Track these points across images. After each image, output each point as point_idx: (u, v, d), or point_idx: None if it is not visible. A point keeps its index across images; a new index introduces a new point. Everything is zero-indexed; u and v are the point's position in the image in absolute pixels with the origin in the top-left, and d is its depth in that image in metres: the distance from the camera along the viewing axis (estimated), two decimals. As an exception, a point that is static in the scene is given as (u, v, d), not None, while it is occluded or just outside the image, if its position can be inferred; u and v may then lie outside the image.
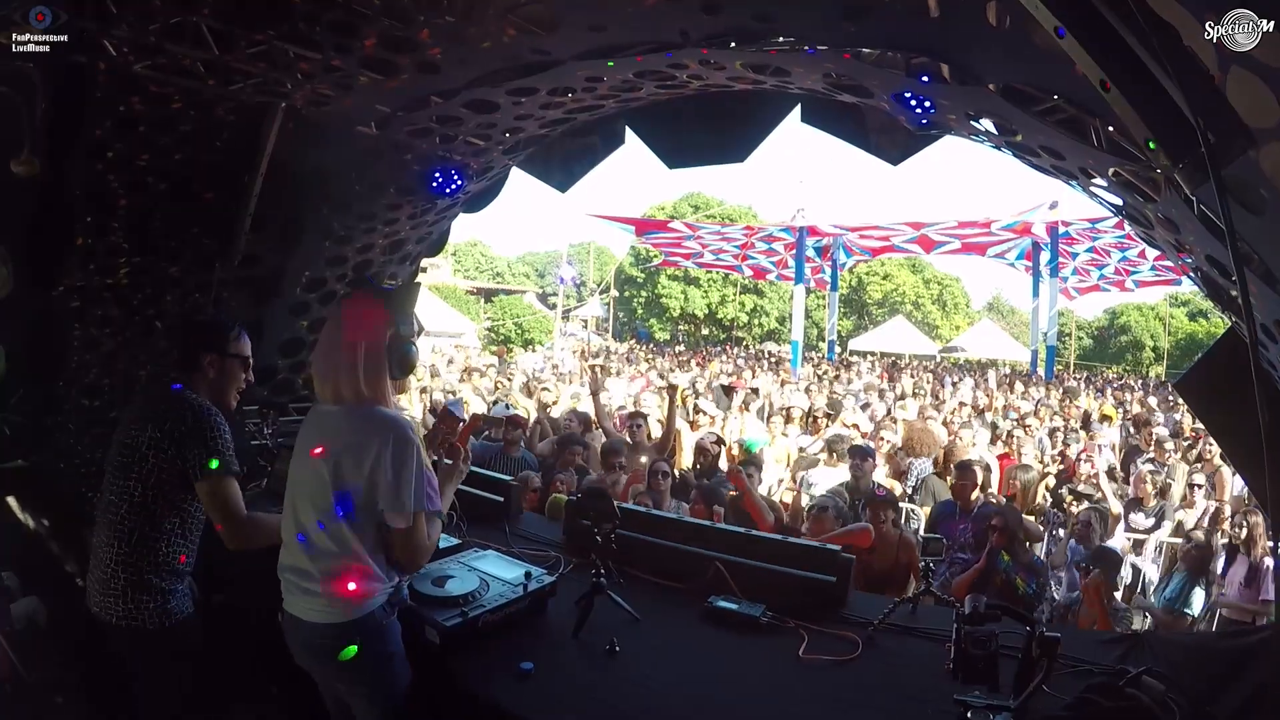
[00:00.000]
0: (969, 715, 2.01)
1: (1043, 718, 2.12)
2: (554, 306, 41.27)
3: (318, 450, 2.37)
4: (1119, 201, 3.17)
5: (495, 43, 3.57)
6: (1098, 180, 3.07)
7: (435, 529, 2.46)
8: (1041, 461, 8.57)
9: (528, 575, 2.95)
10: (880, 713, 2.41)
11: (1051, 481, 7.46)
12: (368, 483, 2.28)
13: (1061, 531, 6.13)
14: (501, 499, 4.15)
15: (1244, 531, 5.19)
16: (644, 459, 6.18)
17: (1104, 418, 11.85)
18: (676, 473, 5.74)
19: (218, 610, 3.06)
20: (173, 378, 2.81)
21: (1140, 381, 29.58)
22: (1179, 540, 5.90)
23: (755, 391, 12.00)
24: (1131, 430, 11.36)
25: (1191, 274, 3.28)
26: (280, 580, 2.44)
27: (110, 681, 3.04)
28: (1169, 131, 1.79)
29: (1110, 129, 2.61)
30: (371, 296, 2.52)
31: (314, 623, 2.34)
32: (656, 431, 7.23)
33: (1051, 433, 10.19)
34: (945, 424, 9.83)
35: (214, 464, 2.61)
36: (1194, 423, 11.51)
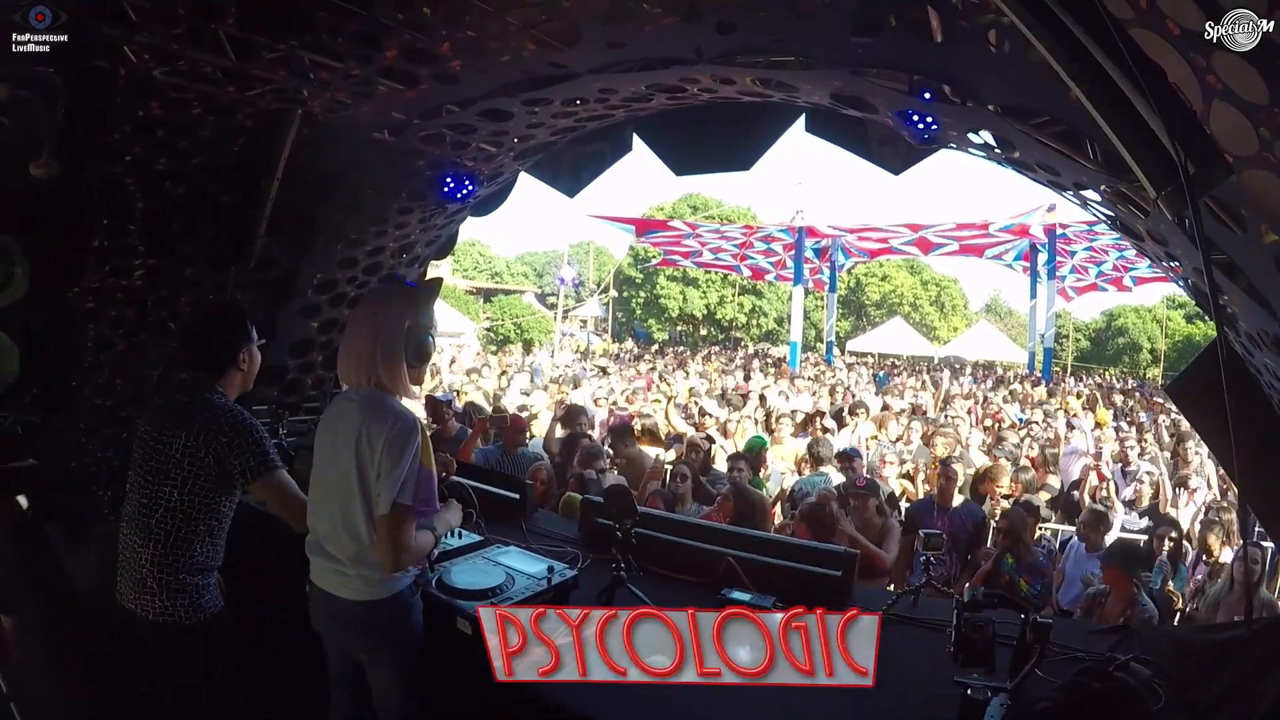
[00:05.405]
0: (969, 693, 2.15)
1: (1037, 698, 2.25)
2: (553, 306, 41.33)
3: (337, 440, 2.47)
4: (1111, 214, 3.30)
5: (515, 56, 3.64)
6: (1091, 194, 3.20)
7: (424, 538, 2.52)
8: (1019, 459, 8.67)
9: (550, 569, 3.04)
10: (887, 695, 2.52)
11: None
12: (374, 471, 2.37)
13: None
14: (517, 496, 4.27)
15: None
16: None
17: (1097, 424, 11.88)
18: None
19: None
20: (200, 381, 2.80)
21: (1139, 385, 29.62)
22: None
23: (763, 399, 12.08)
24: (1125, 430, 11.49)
25: (1181, 283, 3.41)
26: (309, 559, 2.57)
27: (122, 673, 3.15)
28: (1152, 161, 1.92)
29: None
30: (394, 289, 2.65)
31: (347, 599, 2.48)
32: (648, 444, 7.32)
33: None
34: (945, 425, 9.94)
35: (266, 464, 2.68)
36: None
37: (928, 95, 3.13)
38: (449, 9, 3.32)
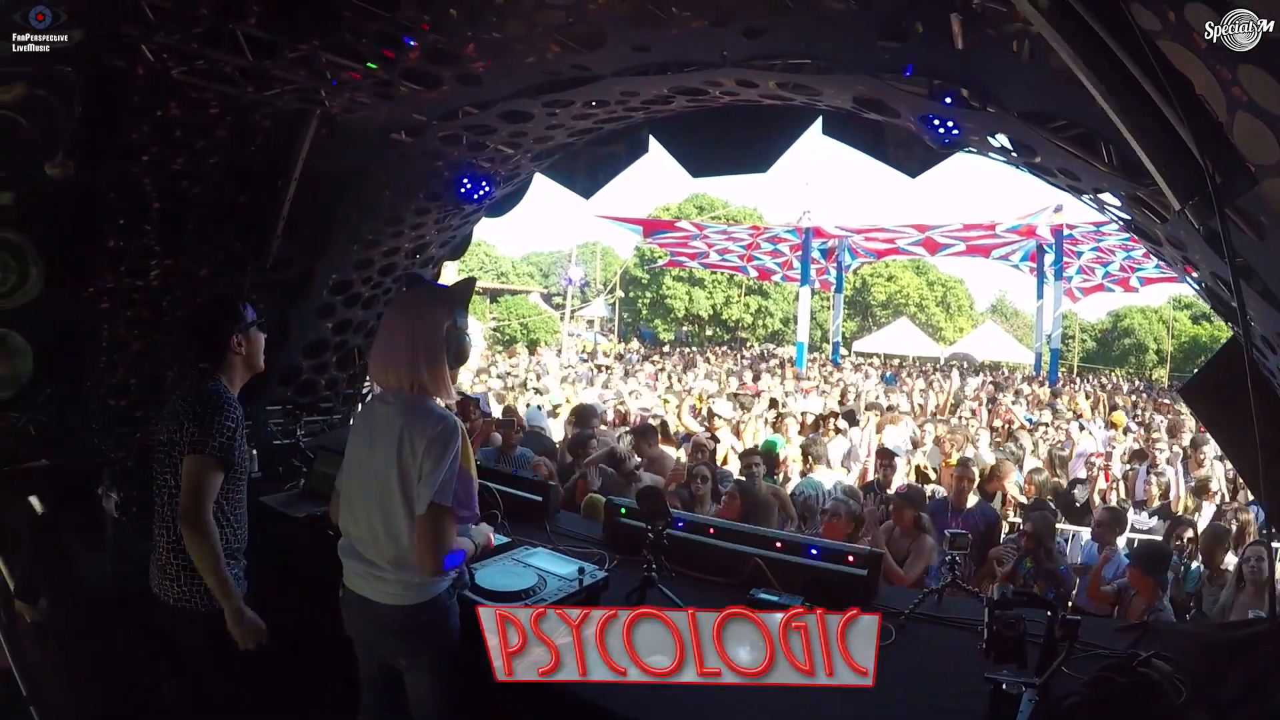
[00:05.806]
0: (1003, 688, 2.19)
1: (1065, 693, 2.30)
2: (559, 307, 41.36)
3: (375, 442, 2.48)
4: (1129, 218, 3.33)
5: (539, 58, 3.62)
6: (1109, 198, 3.23)
7: (462, 544, 2.55)
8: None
9: (581, 571, 3.07)
10: (918, 691, 2.58)
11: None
12: (416, 473, 2.37)
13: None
14: (540, 498, 4.30)
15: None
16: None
17: (1112, 425, 11.89)
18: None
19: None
20: (202, 372, 2.86)
21: (1146, 386, 29.56)
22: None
23: (774, 402, 12.12)
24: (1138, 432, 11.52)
25: (1196, 287, 3.44)
26: (343, 562, 2.57)
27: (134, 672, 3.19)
28: (1179, 170, 1.96)
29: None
30: (427, 291, 2.66)
31: (386, 604, 2.48)
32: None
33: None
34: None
35: (203, 444, 2.66)
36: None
37: (949, 100, 3.16)
38: (473, 10, 3.31)
